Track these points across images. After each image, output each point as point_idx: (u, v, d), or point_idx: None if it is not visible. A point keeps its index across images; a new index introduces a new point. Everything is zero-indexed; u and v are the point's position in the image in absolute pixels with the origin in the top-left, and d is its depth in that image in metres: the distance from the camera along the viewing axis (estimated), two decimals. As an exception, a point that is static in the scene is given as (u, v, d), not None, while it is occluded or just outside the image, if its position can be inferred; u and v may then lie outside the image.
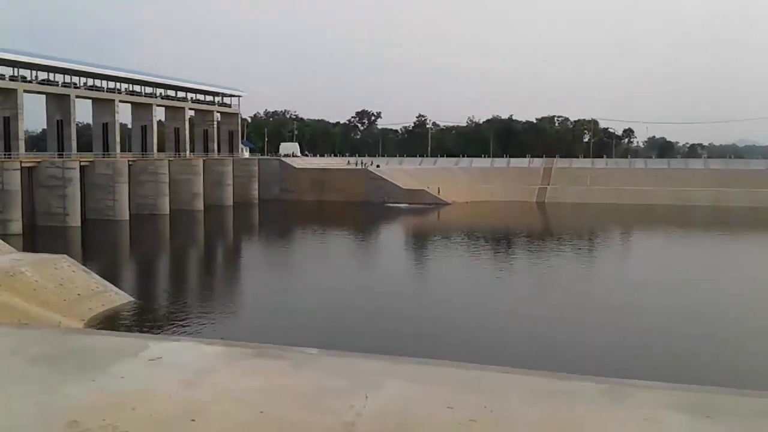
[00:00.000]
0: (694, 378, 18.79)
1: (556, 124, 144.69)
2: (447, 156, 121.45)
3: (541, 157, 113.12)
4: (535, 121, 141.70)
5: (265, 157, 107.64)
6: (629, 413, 3.87)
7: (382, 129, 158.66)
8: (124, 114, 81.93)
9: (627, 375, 5.01)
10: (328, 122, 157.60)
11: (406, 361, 4.85)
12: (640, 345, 24.41)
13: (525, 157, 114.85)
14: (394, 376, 4.49)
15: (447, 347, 23.28)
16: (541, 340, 25.18)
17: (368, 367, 4.72)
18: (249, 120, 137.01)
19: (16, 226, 55.15)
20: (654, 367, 21.08)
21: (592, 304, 32.03)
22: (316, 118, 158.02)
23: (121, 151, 78.20)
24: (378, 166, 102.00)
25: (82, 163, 65.15)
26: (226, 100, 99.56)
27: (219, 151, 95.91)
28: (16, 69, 65.36)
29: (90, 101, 76.23)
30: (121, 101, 77.85)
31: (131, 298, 29.80)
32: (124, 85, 79.83)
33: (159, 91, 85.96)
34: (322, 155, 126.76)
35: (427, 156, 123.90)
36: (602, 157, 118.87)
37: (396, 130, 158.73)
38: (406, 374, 4.57)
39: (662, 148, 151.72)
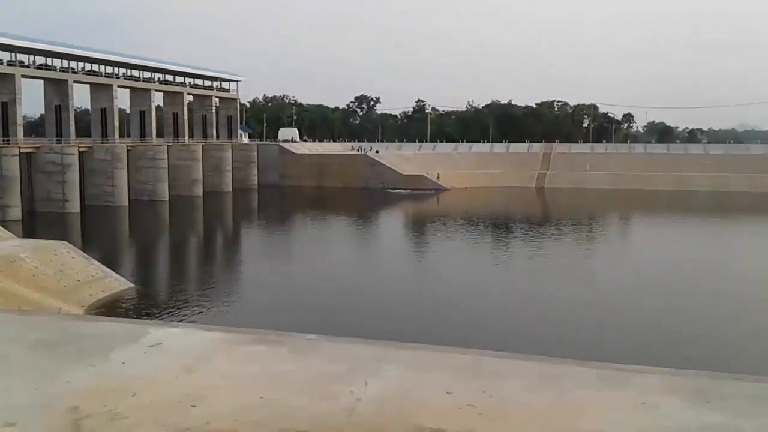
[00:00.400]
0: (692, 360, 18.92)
1: (556, 109, 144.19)
2: (446, 141, 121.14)
3: (541, 142, 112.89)
4: (534, 106, 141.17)
5: (264, 142, 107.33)
6: (627, 398, 3.89)
7: (381, 114, 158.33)
8: (122, 99, 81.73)
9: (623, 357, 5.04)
10: (327, 107, 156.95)
11: (404, 346, 4.87)
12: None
13: (524, 142, 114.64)
14: (393, 361, 4.51)
15: (444, 334, 23.41)
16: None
17: (367, 353, 4.74)
18: (248, 105, 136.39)
19: (15, 212, 55.13)
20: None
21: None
22: (315, 104, 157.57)
23: (120, 136, 77.95)
24: (377, 151, 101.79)
25: (80, 149, 65.00)
26: (225, 85, 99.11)
27: (218, 136, 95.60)
28: (13, 54, 64.97)
29: (88, 86, 75.87)
30: (119, 86, 77.50)
31: (131, 284, 29.86)
32: (123, 70, 79.44)
33: (157, 75, 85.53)
34: (321, 141, 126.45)
35: (426, 141, 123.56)
36: (602, 142, 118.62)
37: (395, 116, 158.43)
38: (405, 360, 4.59)
39: (662, 133, 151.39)
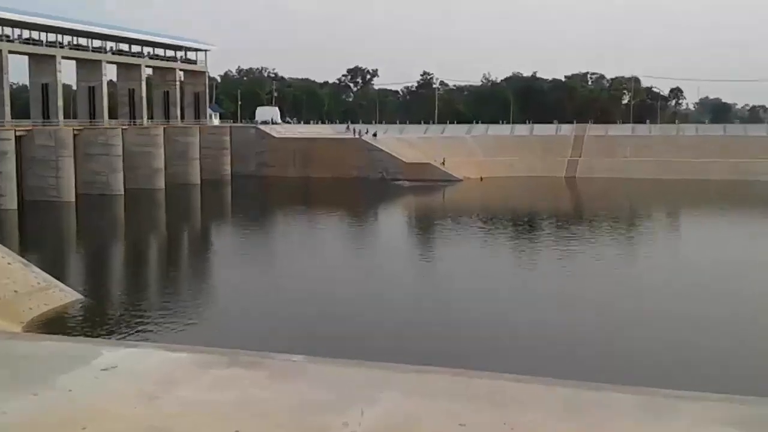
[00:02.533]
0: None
1: (590, 83, 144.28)
2: (458, 122, 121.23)
3: (571, 122, 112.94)
4: (563, 80, 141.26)
5: (239, 124, 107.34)
6: (671, 430, 3.92)
7: (380, 90, 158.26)
8: (67, 73, 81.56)
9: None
10: (315, 82, 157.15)
11: (407, 369, 4.90)
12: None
13: (551, 122, 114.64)
14: (393, 387, 4.53)
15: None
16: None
17: (362, 377, 4.76)
18: (218, 79, 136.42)
19: (-61, 210, 55.17)
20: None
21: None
22: (300, 78, 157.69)
23: (65, 117, 77.92)
24: (375, 134, 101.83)
25: (17, 133, 64.95)
26: (191, 55, 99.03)
27: (183, 117, 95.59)
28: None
29: (26, 57, 75.78)
30: (63, 57, 77.33)
31: (80, 296, 29.85)
32: (67, 38, 79.33)
33: (109, 44, 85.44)
34: (307, 122, 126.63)
35: (433, 122, 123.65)
36: (645, 122, 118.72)
37: (396, 91, 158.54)
38: (407, 385, 4.61)
39: (717, 111, 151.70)
